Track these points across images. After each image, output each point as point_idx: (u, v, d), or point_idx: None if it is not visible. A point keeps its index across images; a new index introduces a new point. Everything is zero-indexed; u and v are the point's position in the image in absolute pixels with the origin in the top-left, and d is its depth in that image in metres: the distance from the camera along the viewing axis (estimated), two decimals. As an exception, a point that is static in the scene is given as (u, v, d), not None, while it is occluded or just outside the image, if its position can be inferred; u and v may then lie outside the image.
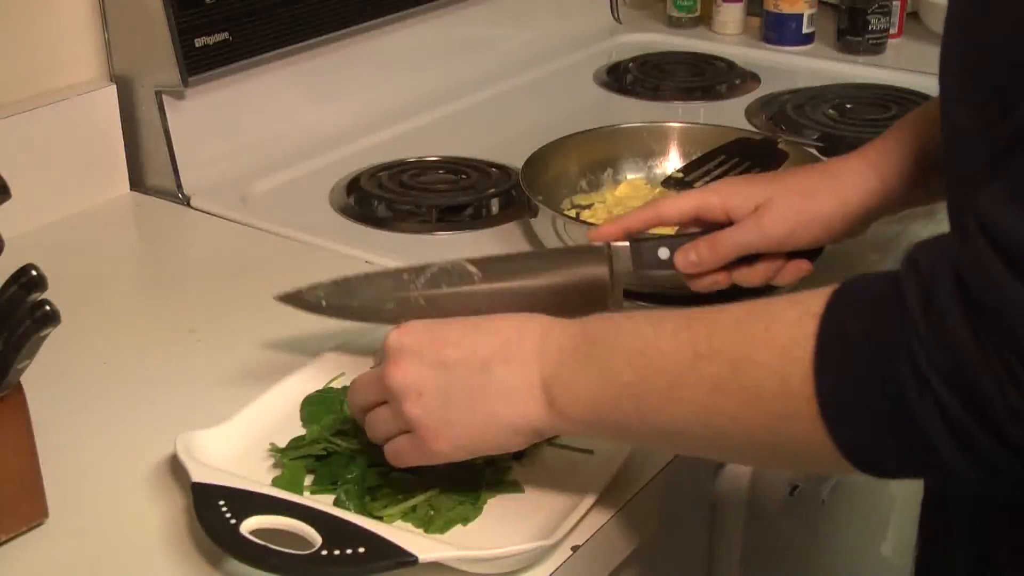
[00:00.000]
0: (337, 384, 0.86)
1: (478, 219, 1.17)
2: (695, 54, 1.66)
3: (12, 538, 0.72)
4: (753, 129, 1.36)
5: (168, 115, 1.20)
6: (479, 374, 0.69)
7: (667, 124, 1.19)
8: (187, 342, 0.95)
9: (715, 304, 0.65)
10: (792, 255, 0.89)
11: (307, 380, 0.85)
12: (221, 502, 0.70)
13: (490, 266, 0.88)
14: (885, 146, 0.88)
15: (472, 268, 0.88)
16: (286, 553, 0.67)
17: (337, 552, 0.66)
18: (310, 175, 1.26)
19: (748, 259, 0.89)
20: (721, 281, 0.89)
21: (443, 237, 1.13)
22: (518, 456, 0.80)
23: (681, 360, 0.63)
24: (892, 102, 1.44)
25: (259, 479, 0.75)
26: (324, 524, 0.69)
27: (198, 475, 0.72)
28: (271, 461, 0.79)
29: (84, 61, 1.20)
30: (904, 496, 1.36)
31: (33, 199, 1.12)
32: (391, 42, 1.41)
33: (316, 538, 0.68)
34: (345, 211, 1.18)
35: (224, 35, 1.20)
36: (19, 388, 0.70)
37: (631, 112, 1.47)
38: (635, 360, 0.65)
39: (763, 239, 0.87)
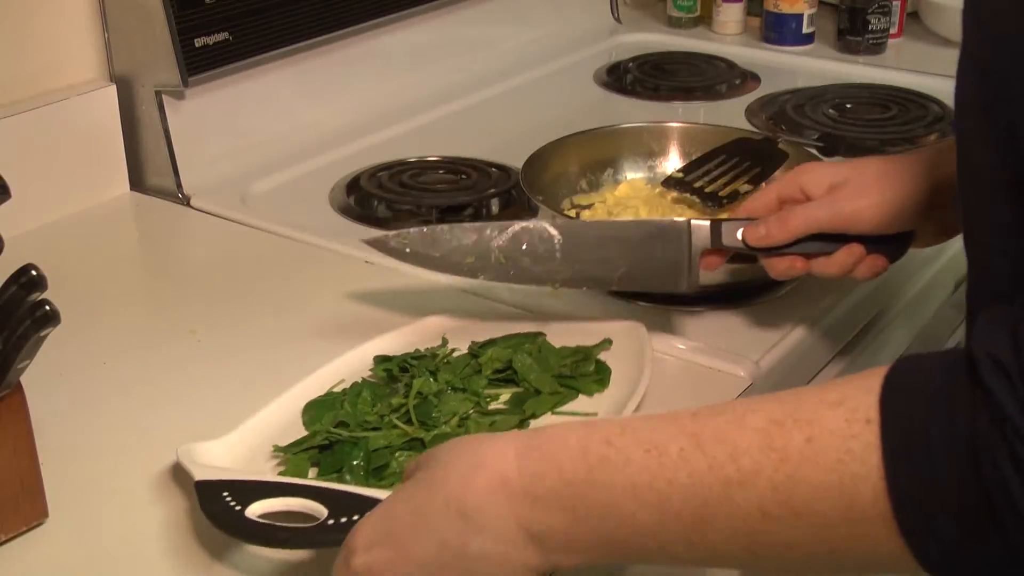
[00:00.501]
0: (337, 389, 0.86)
1: (478, 219, 1.16)
2: (695, 54, 1.66)
3: (12, 538, 0.72)
4: (753, 129, 1.36)
5: (168, 115, 1.20)
6: (460, 559, 0.60)
7: (667, 124, 1.19)
8: (187, 342, 0.95)
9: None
10: (871, 251, 0.87)
11: (307, 390, 0.85)
12: (225, 493, 0.70)
13: (571, 230, 0.89)
14: None
15: (553, 231, 0.89)
16: (293, 527, 0.67)
17: (344, 519, 0.66)
18: (310, 175, 1.26)
19: (826, 249, 0.87)
20: (798, 267, 0.87)
21: (443, 237, 1.13)
22: (523, 427, 0.81)
23: (707, 490, 0.55)
24: (892, 102, 1.44)
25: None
26: (328, 497, 0.69)
27: (201, 474, 0.72)
28: (274, 462, 0.79)
29: (84, 61, 1.20)
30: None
31: (33, 199, 1.12)
32: (391, 42, 1.41)
33: (322, 511, 0.68)
34: (345, 211, 1.18)
35: (224, 35, 1.20)
36: (19, 388, 0.70)
37: (631, 112, 1.47)
38: (646, 497, 0.56)
39: (832, 215, 0.85)
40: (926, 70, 1.53)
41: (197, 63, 1.18)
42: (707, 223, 0.88)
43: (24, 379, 0.70)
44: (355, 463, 0.76)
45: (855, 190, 0.85)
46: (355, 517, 0.66)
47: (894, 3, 1.65)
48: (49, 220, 1.14)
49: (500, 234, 0.89)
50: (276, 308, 0.99)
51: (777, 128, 1.38)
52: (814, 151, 1.16)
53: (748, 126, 1.38)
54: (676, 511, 0.55)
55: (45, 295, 0.67)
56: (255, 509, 0.69)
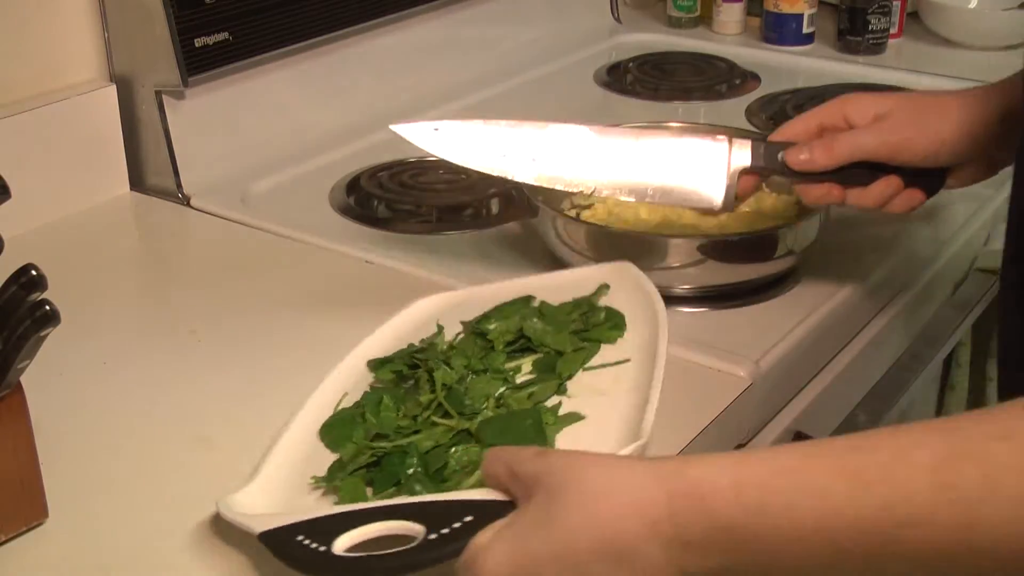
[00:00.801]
0: (345, 403, 0.82)
1: (478, 219, 1.17)
2: (695, 54, 1.66)
3: (12, 538, 0.72)
4: (753, 129, 1.36)
5: (168, 115, 1.20)
6: None
7: (667, 124, 1.19)
8: (187, 342, 0.95)
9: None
10: (908, 185, 0.87)
11: (313, 414, 0.81)
12: (300, 537, 0.64)
13: (609, 137, 0.88)
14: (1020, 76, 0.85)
15: (591, 135, 0.88)
16: (398, 552, 0.61)
17: (447, 531, 0.62)
18: (310, 175, 1.26)
19: (864, 180, 0.86)
20: (835, 194, 0.87)
21: (443, 237, 1.13)
22: (561, 391, 0.79)
23: (878, 533, 0.53)
24: (892, 102, 1.44)
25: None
26: (418, 512, 0.64)
27: (261, 525, 0.67)
28: (318, 493, 0.75)
29: (84, 61, 1.20)
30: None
31: (33, 199, 1.12)
32: (391, 42, 1.41)
33: (416, 528, 0.63)
34: (345, 211, 1.18)
35: (224, 35, 1.20)
36: (19, 388, 0.70)
37: (631, 112, 1.47)
38: (813, 540, 0.54)
39: (880, 143, 0.85)
40: (926, 70, 1.53)
41: (197, 63, 1.18)
42: (748, 142, 0.88)
43: (24, 379, 0.70)
44: (411, 472, 0.72)
45: (903, 120, 0.85)
46: (456, 524, 0.62)
47: (894, 3, 1.65)
48: (49, 220, 1.14)
49: (536, 133, 0.87)
50: (276, 308, 0.99)
51: (777, 128, 1.37)
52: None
53: (748, 126, 1.38)
54: (845, 553, 0.54)
55: (45, 295, 0.67)
56: (341, 543, 0.63)
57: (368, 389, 0.84)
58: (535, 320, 0.84)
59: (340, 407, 0.82)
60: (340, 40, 1.34)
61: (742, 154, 0.87)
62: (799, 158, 0.86)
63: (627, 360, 0.81)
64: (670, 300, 0.96)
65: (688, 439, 0.81)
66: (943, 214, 1.17)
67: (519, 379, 0.82)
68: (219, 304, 1.01)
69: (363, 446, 0.76)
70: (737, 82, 1.55)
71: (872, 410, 1.06)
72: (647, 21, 1.81)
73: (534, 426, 0.75)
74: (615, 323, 0.85)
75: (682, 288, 0.97)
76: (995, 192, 1.27)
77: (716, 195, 0.88)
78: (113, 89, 1.19)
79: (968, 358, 1.30)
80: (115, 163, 1.21)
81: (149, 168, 1.23)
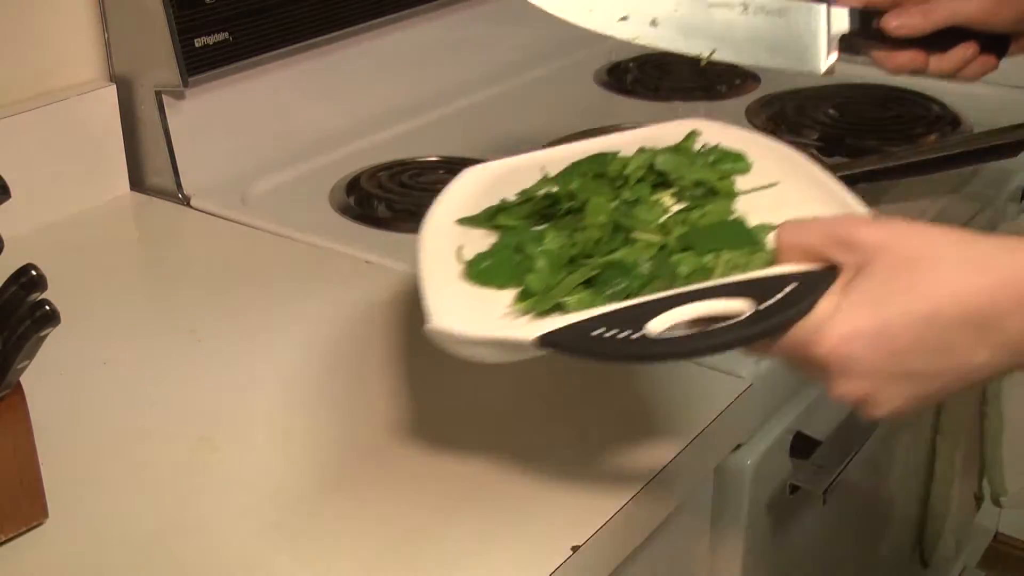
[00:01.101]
0: (469, 253, 0.75)
1: (478, 219, 1.16)
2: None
3: (12, 538, 0.72)
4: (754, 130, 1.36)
5: (168, 115, 1.20)
6: (959, 369, 0.59)
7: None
8: (187, 342, 0.95)
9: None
10: (983, 51, 0.93)
11: (435, 270, 0.73)
12: (599, 331, 0.58)
13: (720, 3, 0.94)
14: None
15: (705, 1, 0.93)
16: (729, 325, 0.58)
17: (780, 296, 0.58)
18: (310, 175, 1.26)
19: (943, 48, 0.93)
20: (920, 60, 0.93)
21: (443, 237, 1.13)
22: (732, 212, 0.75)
23: None
24: (892, 102, 1.44)
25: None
26: (735, 289, 0.60)
27: (532, 331, 0.60)
28: (522, 322, 0.67)
29: (84, 61, 1.20)
30: (904, 496, 1.36)
31: (33, 199, 1.12)
32: (391, 42, 1.41)
33: (735, 306, 0.59)
34: (345, 211, 1.18)
35: (224, 35, 1.20)
36: (19, 388, 0.70)
37: (631, 112, 1.47)
38: None
39: (975, 6, 0.91)
40: (926, 70, 1.53)
41: (197, 63, 1.18)
42: (845, 8, 0.93)
43: (24, 379, 0.70)
44: (640, 282, 0.66)
45: None
46: (787, 288, 0.59)
47: (894, 3, 1.65)
48: (49, 220, 1.14)
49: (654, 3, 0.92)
50: (276, 308, 0.99)
51: (777, 128, 1.38)
52: (814, 151, 1.16)
53: (748, 126, 1.38)
54: None
55: (45, 295, 0.67)
56: (654, 327, 0.58)
57: (494, 237, 0.76)
58: (670, 155, 0.79)
59: (464, 259, 0.75)
60: (340, 40, 1.34)
61: (840, 19, 0.93)
62: (895, 22, 0.92)
63: (777, 183, 0.76)
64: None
65: (688, 439, 0.81)
66: (943, 214, 1.17)
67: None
68: (219, 304, 1.01)
69: (577, 264, 0.70)
70: (737, 82, 1.55)
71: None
72: (647, 21, 1.81)
73: (746, 233, 0.70)
74: (736, 157, 0.80)
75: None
76: (995, 192, 1.27)
77: (818, 59, 0.94)
78: (113, 89, 1.19)
79: (968, 358, 1.29)
80: (115, 163, 1.21)
81: (149, 168, 1.23)
